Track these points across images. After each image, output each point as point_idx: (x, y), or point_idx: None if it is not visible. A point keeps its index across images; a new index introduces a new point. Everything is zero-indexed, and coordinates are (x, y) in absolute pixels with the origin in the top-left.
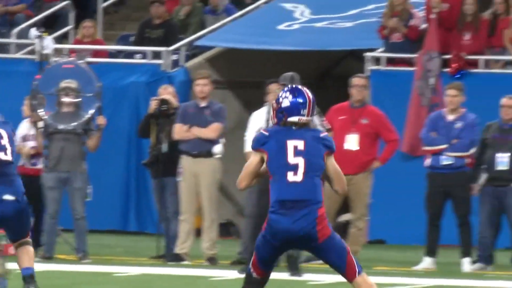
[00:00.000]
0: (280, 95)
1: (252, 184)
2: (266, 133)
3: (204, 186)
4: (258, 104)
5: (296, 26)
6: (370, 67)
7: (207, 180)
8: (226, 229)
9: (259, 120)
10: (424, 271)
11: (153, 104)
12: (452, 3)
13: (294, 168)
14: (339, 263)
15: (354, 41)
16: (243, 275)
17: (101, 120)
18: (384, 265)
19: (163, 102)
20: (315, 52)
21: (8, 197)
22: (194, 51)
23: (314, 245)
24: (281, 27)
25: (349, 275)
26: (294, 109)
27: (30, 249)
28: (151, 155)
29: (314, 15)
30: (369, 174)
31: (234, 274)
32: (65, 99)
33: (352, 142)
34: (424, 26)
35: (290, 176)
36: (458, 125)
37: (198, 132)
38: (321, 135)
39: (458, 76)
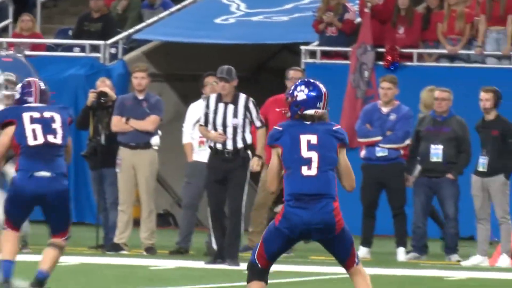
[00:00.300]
0: (293, 88)
1: (280, 186)
2: (280, 128)
3: (142, 177)
4: (195, 97)
5: (232, 20)
6: (305, 60)
7: (145, 171)
8: (164, 219)
9: (196, 112)
10: (359, 260)
11: (91, 97)
12: None
13: (308, 162)
14: (345, 254)
15: (290, 35)
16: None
17: None
18: (320, 255)
19: (102, 94)
20: (251, 45)
21: (43, 173)
22: (131, 44)
23: (330, 236)
24: (218, 20)
25: (349, 264)
26: (311, 102)
27: (56, 254)
28: (90, 146)
29: (250, 9)
30: None
31: (173, 263)
32: (5, 92)
33: None
34: (358, 20)
35: (305, 170)
36: (392, 117)
37: (136, 124)
38: (334, 128)
39: (392, 69)
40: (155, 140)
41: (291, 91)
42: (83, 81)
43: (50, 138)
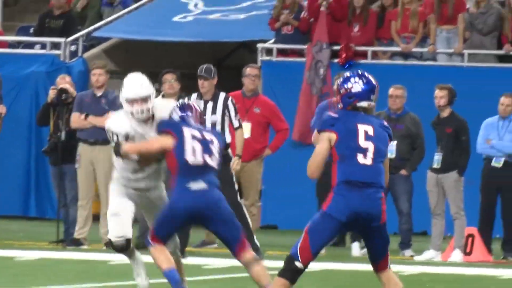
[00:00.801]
0: (346, 80)
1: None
2: (335, 115)
3: (100, 172)
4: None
5: (190, 18)
6: (261, 57)
7: (104, 167)
8: None
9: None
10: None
11: (51, 93)
12: None
13: (364, 151)
14: (382, 251)
15: (246, 33)
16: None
17: (1, 109)
18: (276, 250)
19: (62, 91)
20: (209, 43)
21: (199, 186)
22: (91, 42)
23: (375, 224)
24: (176, 18)
25: (382, 266)
26: (365, 94)
27: (261, 266)
28: (50, 142)
29: (207, 7)
30: (260, 162)
31: None
32: None
33: (244, 130)
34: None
35: (361, 158)
36: None
37: (94, 120)
38: (385, 123)
39: (347, 66)
40: None
41: (343, 83)
42: (43, 78)
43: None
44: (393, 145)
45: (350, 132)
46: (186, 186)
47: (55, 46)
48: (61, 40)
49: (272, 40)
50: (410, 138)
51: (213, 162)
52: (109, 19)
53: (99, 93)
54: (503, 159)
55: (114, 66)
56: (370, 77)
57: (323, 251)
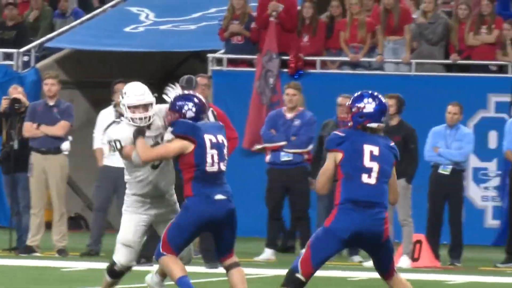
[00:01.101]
0: (359, 99)
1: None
2: (342, 134)
3: (53, 181)
4: (106, 103)
5: (141, 29)
6: (212, 67)
7: (56, 176)
8: (76, 222)
9: (106, 118)
10: (265, 262)
11: (4, 103)
12: (289, 5)
13: (369, 171)
14: (387, 263)
15: (197, 43)
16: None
17: None
18: None
19: (15, 101)
20: (160, 53)
21: (220, 196)
22: (44, 52)
23: (377, 242)
24: (127, 29)
25: (390, 275)
26: (377, 115)
27: (242, 270)
28: (3, 152)
29: (158, 18)
30: None
31: (84, 265)
32: None
33: None
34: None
35: (365, 178)
36: (296, 122)
37: (46, 129)
38: (391, 144)
39: (297, 76)
40: (65, 145)
41: (356, 101)
42: None
43: (222, 165)
44: None
45: (356, 152)
46: (209, 195)
47: (8, 56)
48: (13, 50)
49: (223, 50)
50: None
51: (225, 166)
52: (61, 30)
53: (51, 103)
54: (450, 167)
55: (66, 76)
56: (382, 99)
57: (271, 258)
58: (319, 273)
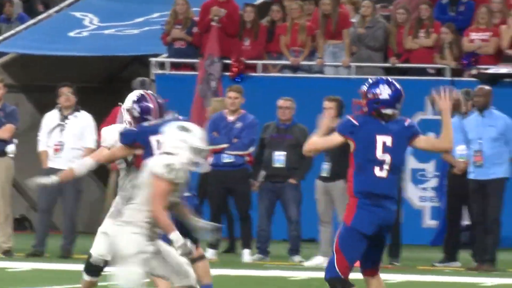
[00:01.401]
0: (374, 85)
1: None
2: (355, 122)
3: None
4: (50, 107)
5: (85, 33)
6: (155, 71)
7: (1, 178)
8: (21, 224)
9: (50, 121)
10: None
11: None
12: (231, 10)
13: (381, 163)
14: (379, 256)
15: (140, 47)
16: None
17: None
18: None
19: None
20: (103, 57)
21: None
22: None
23: (385, 235)
24: (72, 34)
25: (374, 272)
26: (392, 102)
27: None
28: None
29: (102, 23)
30: None
31: (29, 265)
32: None
33: None
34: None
35: (377, 171)
36: (238, 125)
37: None
38: (406, 124)
39: (238, 79)
40: (10, 148)
41: (371, 88)
42: None
43: None
44: (282, 155)
45: (368, 144)
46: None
47: None
48: None
49: (165, 55)
50: (299, 148)
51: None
52: (6, 34)
53: None
54: None
55: (11, 80)
56: (397, 85)
57: (213, 257)
58: (259, 273)
